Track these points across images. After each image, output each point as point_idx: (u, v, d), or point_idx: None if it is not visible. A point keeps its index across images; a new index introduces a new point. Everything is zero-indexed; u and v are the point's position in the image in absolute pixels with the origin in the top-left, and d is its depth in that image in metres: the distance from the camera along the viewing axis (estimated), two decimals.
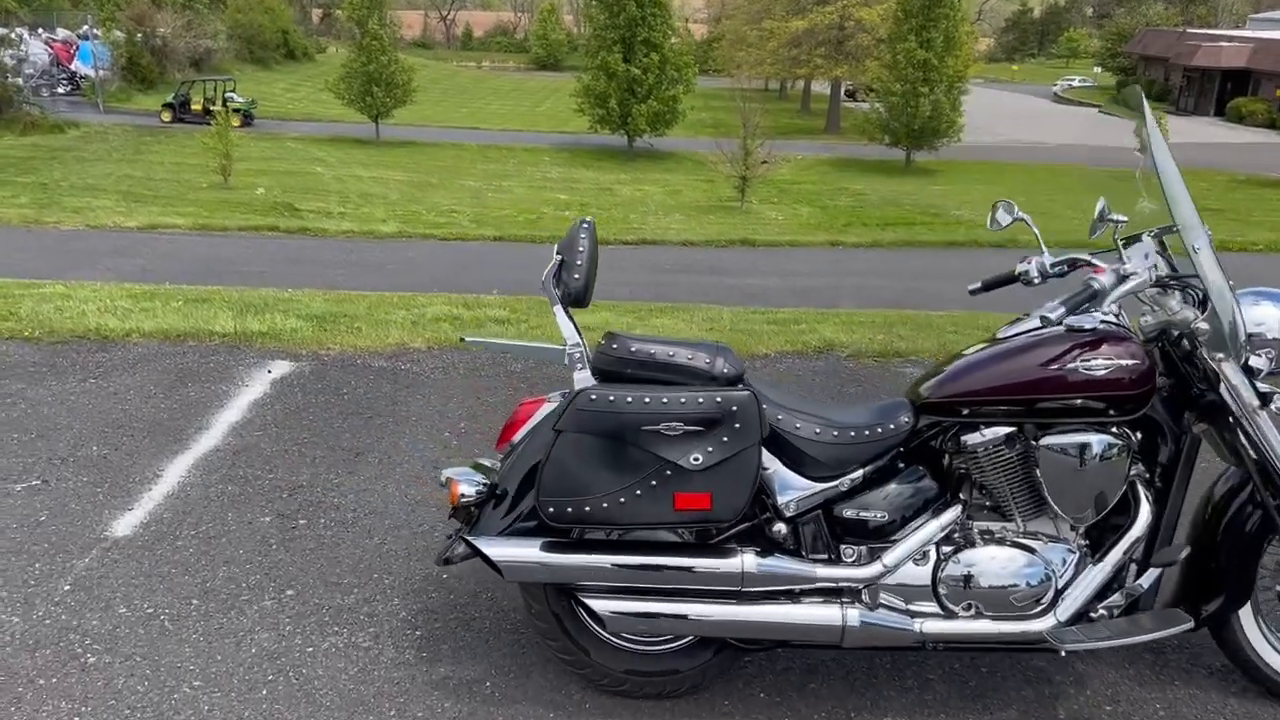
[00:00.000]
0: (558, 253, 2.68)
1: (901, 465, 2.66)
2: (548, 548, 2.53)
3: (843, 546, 2.60)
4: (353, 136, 22.05)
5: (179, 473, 3.99)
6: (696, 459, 2.38)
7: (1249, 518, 2.62)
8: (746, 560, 2.50)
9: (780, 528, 2.55)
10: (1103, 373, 2.47)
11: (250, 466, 4.05)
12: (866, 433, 2.59)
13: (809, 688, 2.81)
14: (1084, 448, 2.49)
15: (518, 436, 2.70)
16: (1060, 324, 2.39)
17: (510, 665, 2.88)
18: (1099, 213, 2.62)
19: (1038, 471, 2.52)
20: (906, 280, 10.09)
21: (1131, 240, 2.66)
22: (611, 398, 2.38)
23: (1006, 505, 2.61)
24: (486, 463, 2.88)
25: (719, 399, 2.38)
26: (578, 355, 2.58)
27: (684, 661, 2.68)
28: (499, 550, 2.52)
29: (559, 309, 2.64)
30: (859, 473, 2.60)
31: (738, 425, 2.38)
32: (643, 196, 19.58)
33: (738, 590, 2.51)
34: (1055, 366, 2.49)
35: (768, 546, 2.56)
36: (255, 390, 4.88)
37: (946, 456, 2.67)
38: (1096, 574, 2.56)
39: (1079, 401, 2.49)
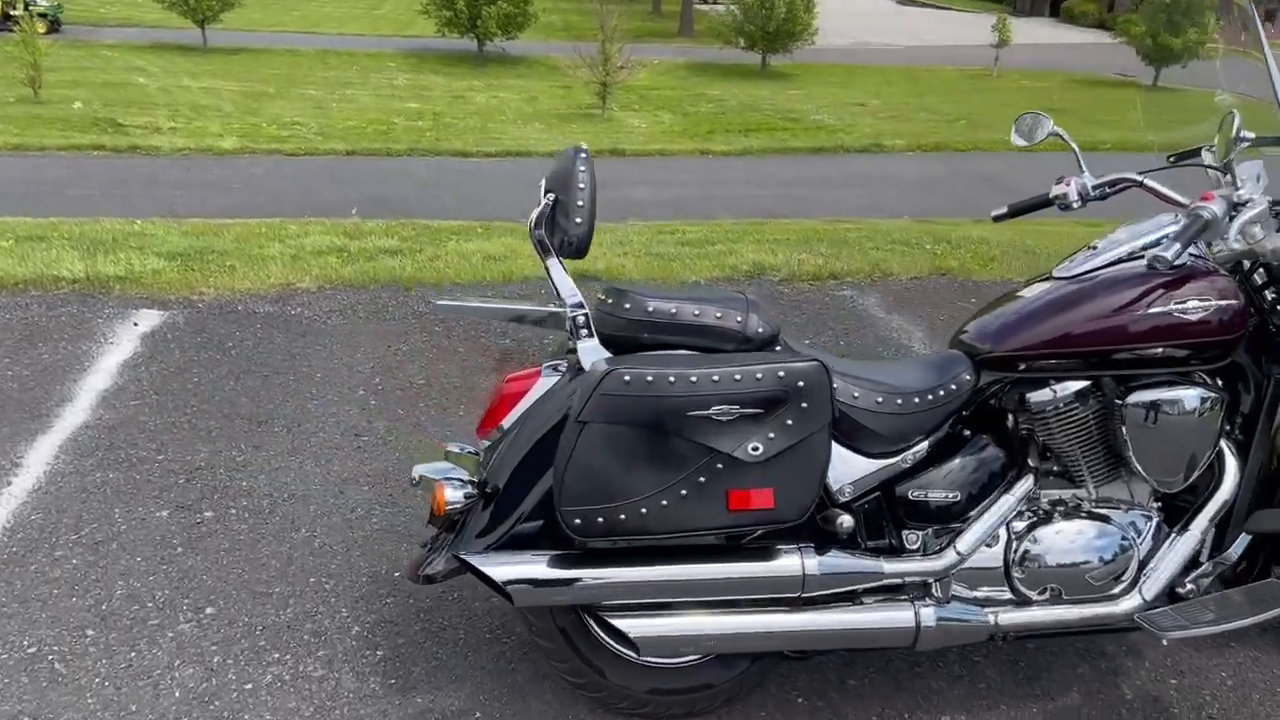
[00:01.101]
0: (547, 190, 2.14)
1: (966, 432, 2.29)
2: (563, 562, 2.05)
3: (905, 532, 2.22)
4: (176, 43, 19.99)
5: (44, 459, 3.28)
6: (756, 448, 1.93)
7: None
8: (807, 561, 2.08)
9: (840, 517, 2.15)
10: (1197, 316, 2.14)
11: (133, 446, 3.37)
12: (930, 397, 2.19)
13: (849, 685, 2.45)
14: (1177, 403, 2.16)
15: (507, 420, 2.18)
16: (1176, 264, 2.02)
17: (499, 688, 2.40)
18: (1235, 132, 2.23)
19: (1124, 430, 2.18)
20: (781, 188, 9.73)
21: (1224, 159, 2.30)
22: (650, 377, 1.89)
23: (1078, 470, 2.28)
24: (456, 449, 2.36)
25: (781, 373, 1.92)
26: (582, 320, 2.08)
27: (718, 674, 2.27)
28: (506, 570, 2.03)
29: (555, 262, 2.12)
30: (923, 445, 2.21)
31: (805, 405, 1.94)
32: (499, 104, 18.66)
33: (797, 596, 2.10)
34: (1142, 310, 2.14)
35: (823, 540, 2.15)
36: (123, 349, 4.13)
37: (1010, 418, 2.31)
38: (1183, 545, 2.27)
39: (1164, 350, 2.15)
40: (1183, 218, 2.10)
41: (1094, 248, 2.34)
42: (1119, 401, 2.19)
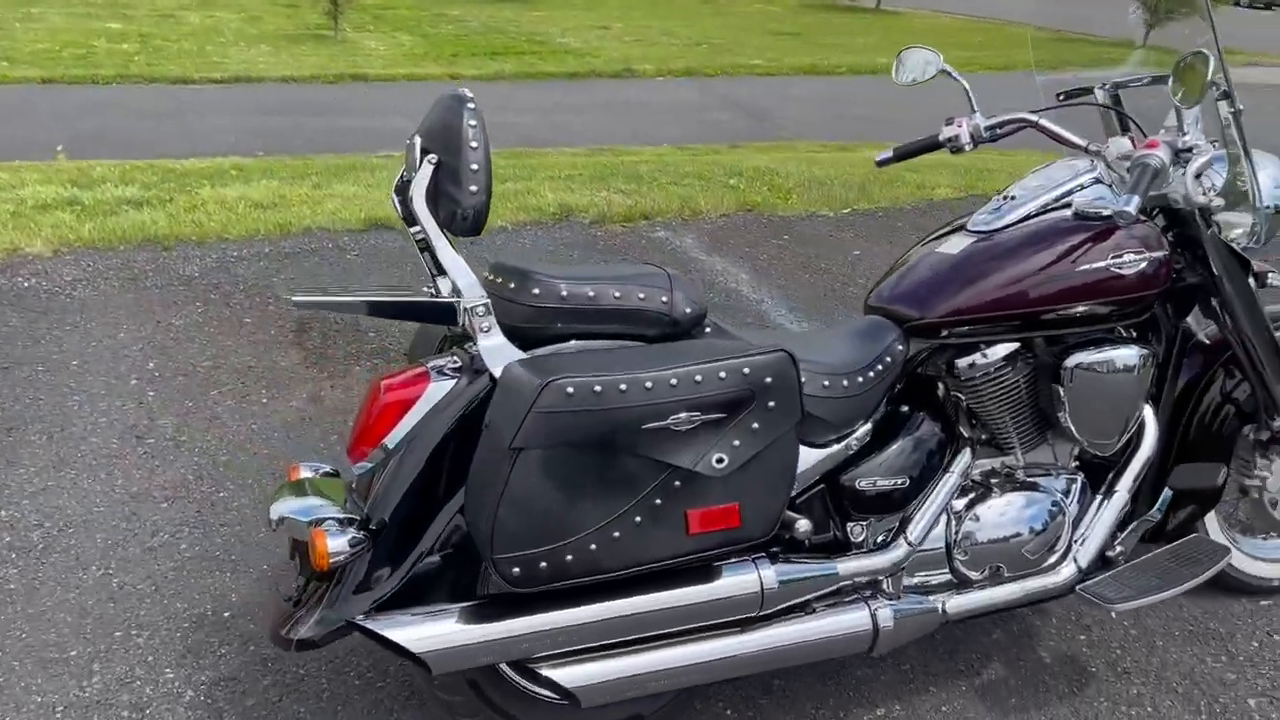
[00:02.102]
0: (425, 150, 1.71)
1: (903, 408, 2.08)
2: (484, 613, 1.68)
3: (851, 525, 2.00)
4: None
5: None
6: (719, 460, 1.62)
7: (1224, 409, 2.36)
8: (764, 573, 1.81)
9: (796, 521, 1.89)
10: (1133, 269, 2.02)
11: None
12: (871, 374, 1.97)
13: (775, 688, 2.23)
14: (1117, 362, 2.05)
15: (391, 437, 1.75)
16: (1138, 216, 1.87)
17: None
18: (1209, 75, 2.05)
19: (1061, 393, 2.04)
20: (541, 115, 9.37)
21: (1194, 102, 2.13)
22: (598, 387, 1.53)
23: (1006, 437, 2.14)
24: (309, 471, 1.91)
25: (747, 369, 1.62)
26: (482, 311, 1.68)
27: (649, 703, 1.98)
28: (417, 633, 1.63)
29: (444, 242, 1.71)
30: (866, 427, 1.99)
31: (772, 404, 1.65)
32: (216, 24, 16.98)
33: (754, 616, 1.83)
34: (1079, 266, 2.00)
35: (775, 547, 1.89)
36: None
37: (940, 387, 2.14)
38: (1111, 507, 2.18)
39: (1099, 307, 2.03)
40: (1129, 166, 1.96)
41: (1011, 197, 2.17)
42: (1056, 363, 2.05)
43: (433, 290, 1.78)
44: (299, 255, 4.34)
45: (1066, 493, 2.17)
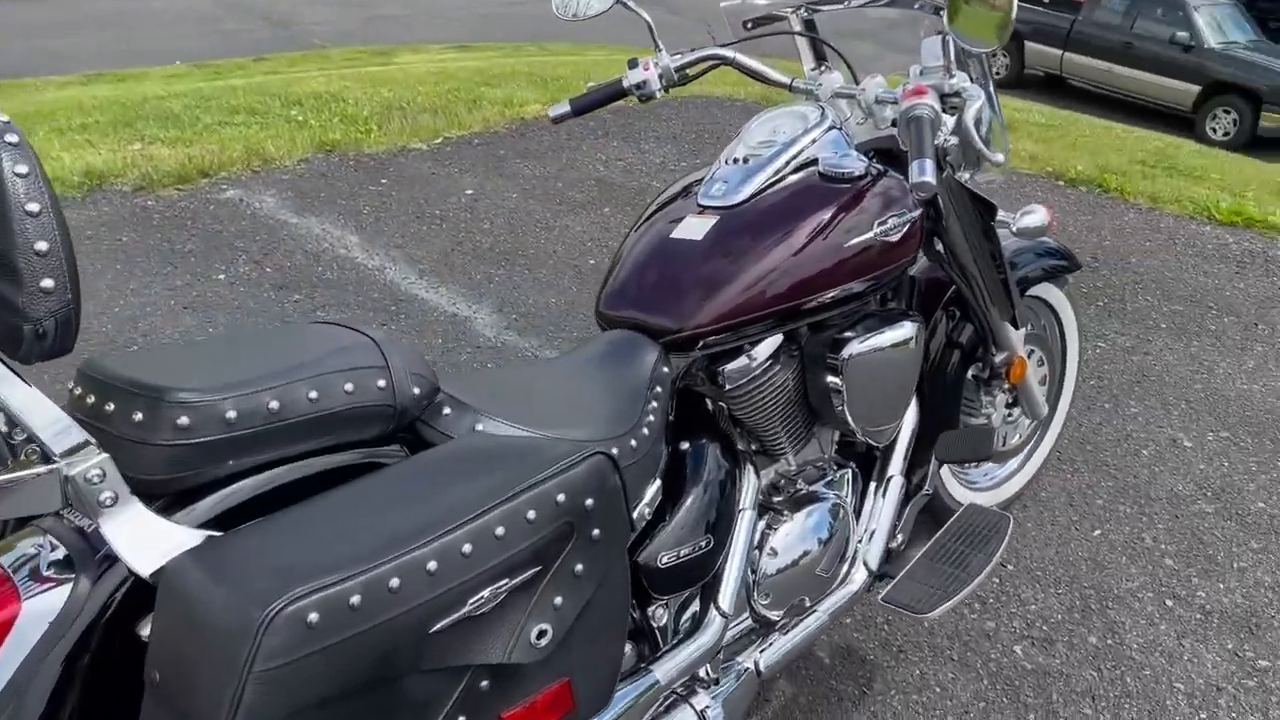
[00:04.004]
0: None
1: (684, 445, 1.66)
2: None
3: (650, 609, 1.57)
4: None
5: None
6: (542, 633, 1.09)
7: (951, 353, 2.21)
8: None
9: None
10: (899, 234, 1.74)
11: None
12: (650, 419, 1.51)
13: None
14: (895, 340, 1.78)
15: None
16: (936, 181, 1.54)
17: None
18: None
19: (838, 382, 1.72)
20: (17, 34, 7.69)
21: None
22: (354, 599, 0.92)
23: (777, 443, 1.80)
24: None
25: (561, 495, 1.09)
26: (97, 477, 1.00)
27: None
28: None
29: (10, 380, 0.99)
30: (655, 485, 1.54)
31: (597, 531, 1.14)
32: None
33: None
34: (845, 241, 1.68)
35: None
36: None
37: (708, 401, 1.74)
38: (890, 495, 1.95)
39: (873, 280, 1.74)
40: (901, 124, 1.63)
41: (739, 159, 1.78)
42: (826, 351, 1.73)
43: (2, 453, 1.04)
44: None
45: (844, 490, 1.91)
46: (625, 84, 1.99)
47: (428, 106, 5.48)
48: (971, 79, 1.77)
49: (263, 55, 9.78)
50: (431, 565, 0.97)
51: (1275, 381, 3.25)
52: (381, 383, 1.19)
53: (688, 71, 2.01)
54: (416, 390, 1.22)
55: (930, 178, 1.48)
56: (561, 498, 1.08)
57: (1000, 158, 1.82)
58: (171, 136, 4.61)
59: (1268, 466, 2.81)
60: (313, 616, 0.90)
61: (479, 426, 1.29)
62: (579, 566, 1.12)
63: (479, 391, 1.36)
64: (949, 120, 1.69)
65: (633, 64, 2.00)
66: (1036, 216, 1.97)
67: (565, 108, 2.03)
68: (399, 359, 1.22)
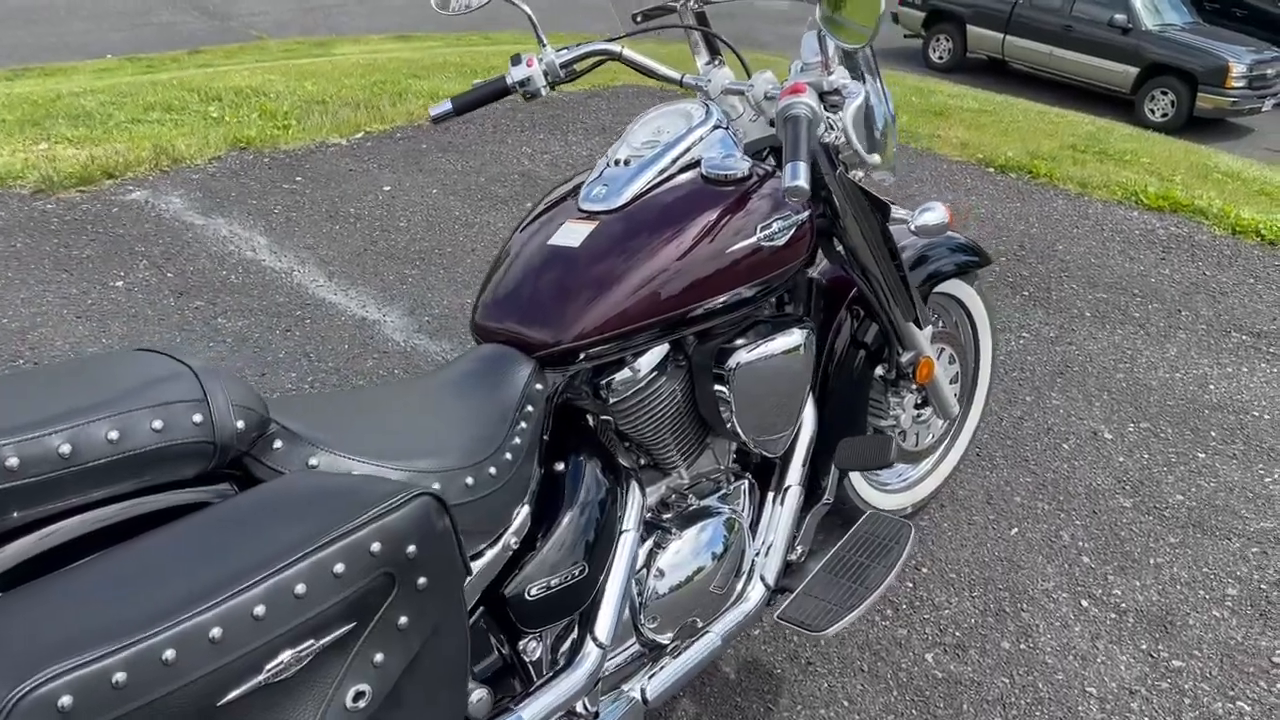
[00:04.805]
0: None
1: (559, 466, 1.57)
2: None
3: (521, 643, 1.48)
4: None
5: None
6: (359, 694, 1.01)
7: (856, 355, 2.14)
8: None
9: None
10: (785, 235, 1.67)
11: None
12: (517, 440, 1.42)
13: None
14: (784, 347, 1.71)
15: None
16: (808, 185, 1.46)
17: None
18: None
19: (725, 393, 1.65)
20: None
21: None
22: (119, 675, 0.83)
23: (668, 456, 1.72)
24: None
25: (376, 545, 1.00)
26: None
27: None
28: None
29: None
30: (524, 511, 1.45)
31: (424, 580, 1.05)
32: None
33: None
34: (731, 244, 1.60)
35: None
36: None
37: (589, 417, 1.66)
38: (787, 506, 1.88)
39: (759, 286, 1.67)
40: (779, 124, 1.55)
41: (620, 161, 1.70)
42: (713, 361, 1.66)
43: None
44: None
45: (739, 503, 1.84)
46: (509, 81, 1.90)
47: (350, 100, 5.33)
48: (856, 75, 1.69)
49: (199, 48, 9.52)
50: (215, 632, 0.88)
51: (1196, 369, 3.24)
52: (198, 417, 1.08)
53: (575, 67, 1.93)
54: (241, 424, 1.12)
55: (803, 182, 1.40)
56: (376, 547, 0.99)
57: (877, 159, 1.75)
58: (80, 135, 4.44)
59: (1186, 458, 2.79)
60: (65, 700, 0.80)
61: (313, 461, 1.19)
62: (403, 619, 1.03)
63: (319, 420, 1.26)
64: (837, 118, 1.62)
65: (515, 60, 1.91)
66: (935, 214, 1.89)
67: (447, 106, 1.94)
68: (220, 390, 1.11)
